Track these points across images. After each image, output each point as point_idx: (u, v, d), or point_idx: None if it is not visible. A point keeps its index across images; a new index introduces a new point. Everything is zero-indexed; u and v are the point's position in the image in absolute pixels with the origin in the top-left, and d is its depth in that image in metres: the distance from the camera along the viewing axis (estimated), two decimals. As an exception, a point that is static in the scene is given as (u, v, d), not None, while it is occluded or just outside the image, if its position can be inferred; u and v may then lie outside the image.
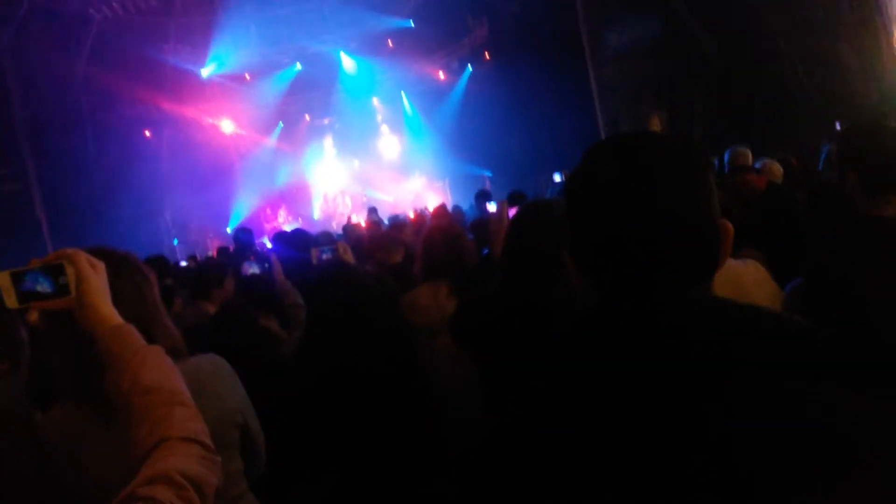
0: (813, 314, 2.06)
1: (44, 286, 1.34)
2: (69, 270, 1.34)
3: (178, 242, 17.68)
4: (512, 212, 2.73)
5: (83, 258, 1.35)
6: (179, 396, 1.26)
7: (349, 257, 3.48)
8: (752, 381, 0.80)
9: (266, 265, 3.82)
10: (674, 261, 0.88)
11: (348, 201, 19.59)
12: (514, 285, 2.05)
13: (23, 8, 13.32)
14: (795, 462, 0.75)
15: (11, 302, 1.34)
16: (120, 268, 1.50)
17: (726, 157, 5.44)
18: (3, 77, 13.40)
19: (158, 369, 1.28)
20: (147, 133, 17.79)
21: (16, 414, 1.93)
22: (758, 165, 5.11)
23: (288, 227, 15.17)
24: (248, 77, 19.76)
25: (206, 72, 18.81)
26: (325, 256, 3.46)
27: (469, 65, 19.14)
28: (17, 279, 1.33)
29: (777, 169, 5.13)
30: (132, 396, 1.23)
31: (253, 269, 3.95)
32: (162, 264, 5.51)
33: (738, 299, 0.90)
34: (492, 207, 5.36)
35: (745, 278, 2.06)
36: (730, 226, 0.92)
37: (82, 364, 1.46)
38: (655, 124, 12.93)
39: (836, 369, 0.82)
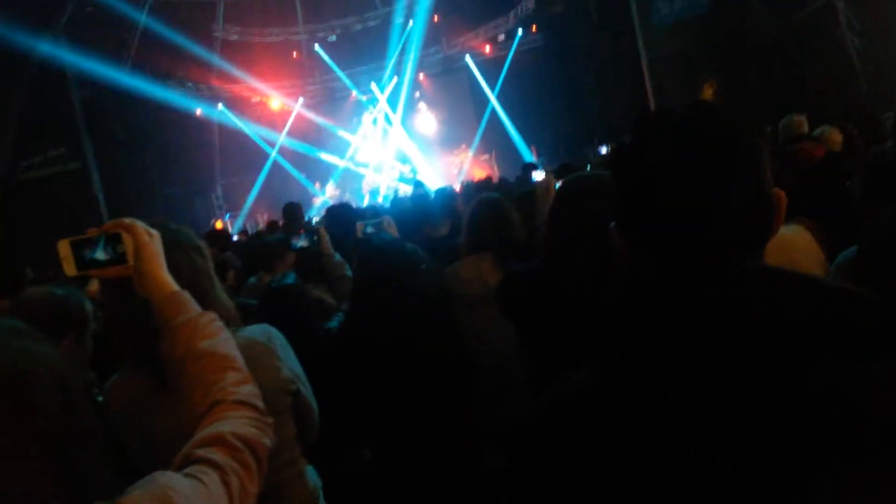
0: (864, 285, 2.01)
1: (102, 254, 1.37)
2: (126, 239, 1.37)
3: (230, 217, 18.03)
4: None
5: (140, 227, 1.39)
6: (231, 361, 1.29)
7: (394, 231, 3.50)
8: (807, 354, 0.79)
9: (314, 238, 3.87)
10: (725, 233, 0.86)
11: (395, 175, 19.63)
12: (558, 257, 2.04)
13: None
14: (843, 440, 0.74)
15: (71, 269, 1.38)
16: (173, 240, 1.53)
17: (780, 126, 5.30)
18: (61, 59, 13.76)
19: (211, 335, 1.31)
20: (198, 111, 18.10)
21: (81, 387, 2.00)
22: (815, 134, 4.95)
23: (335, 202, 15.36)
24: (295, 55, 19.90)
25: (254, 51, 18.96)
26: (369, 230, 3.49)
27: (516, 38, 18.88)
28: (76, 247, 1.37)
29: (836, 137, 4.95)
30: (186, 362, 1.26)
31: (302, 242, 4.01)
32: (223, 238, 5.66)
33: (783, 265, 0.89)
34: (538, 176, 5.32)
35: (792, 244, 2.01)
36: (783, 195, 0.90)
37: (140, 332, 1.50)
38: (708, 94, 12.59)
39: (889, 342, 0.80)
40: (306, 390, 1.92)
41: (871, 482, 0.73)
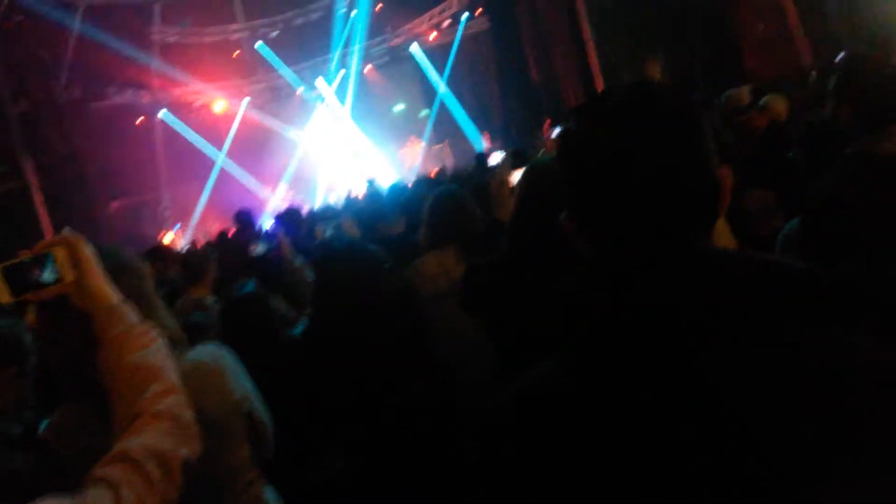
0: (810, 256, 2.04)
1: (36, 276, 1.31)
2: (59, 256, 1.32)
3: (179, 227, 17.68)
4: (514, 172, 2.69)
5: (80, 240, 1.35)
6: (158, 372, 1.28)
7: (354, 231, 3.45)
8: (754, 330, 0.79)
9: (272, 243, 3.82)
10: (676, 215, 0.86)
11: (348, 172, 19.46)
12: (523, 249, 2.02)
13: (5, 1, 13.16)
14: (808, 412, 0.74)
15: (5, 297, 1.31)
16: (111, 264, 1.47)
17: (723, 100, 5.36)
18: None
19: (142, 347, 1.30)
20: (140, 119, 17.66)
21: (25, 419, 1.93)
22: (760, 104, 5.00)
23: (289, 204, 15.16)
24: (236, 54, 19.56)
25: (194, 52, 18.57)
26: (329, 233, 3.44)
27: (461, 22, 18.81)
28: (8, 273, 1.30)
29: (781, 105, 5.00)
30: (115, 375, 1.27)
31: (259, 248, 3.94)
32: (167, 254, 5.51)
33: None
34: (495, 158, 5.30)
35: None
36: (728, 173, 0.90)
37: (80, 360, 1.44)
38: (654, 69, 12.74)
39: (843, 313, 0.82)
40: (260, 410, 1.87)
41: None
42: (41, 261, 1.32)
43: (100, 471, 1.10)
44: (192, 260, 3.89)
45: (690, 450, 0.76)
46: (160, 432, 1.19)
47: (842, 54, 3.12)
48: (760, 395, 0.75)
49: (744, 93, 5.26)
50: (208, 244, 6.31)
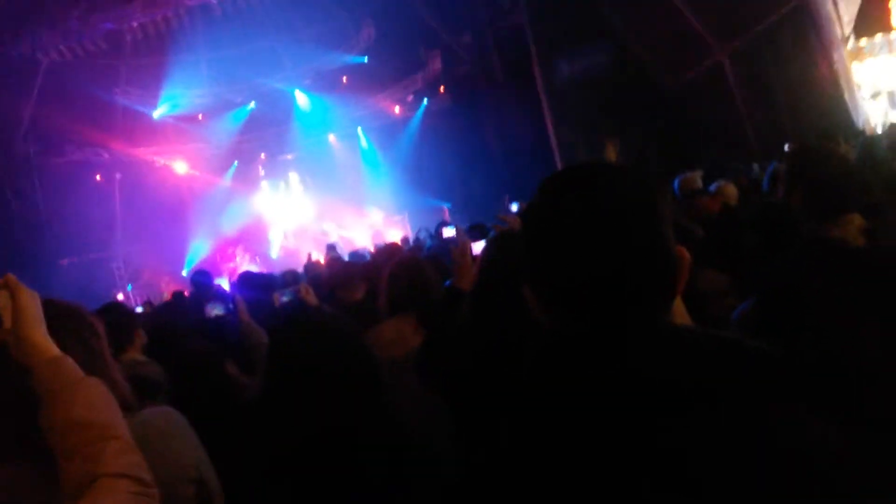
0: (764, 335, 2.09)
1: None
2: (1, 301, 1.27)
3: (133, 288, 17.26)
4: (475, 244, 2.72)
5: (22, 287, 1.29)
6: (112, 430, 1.21)
7: (311, 299, 3.42)
8: (719, 407, 0.80)
9: (229, 306, 3.75)
10: (637, 291, 0.88)
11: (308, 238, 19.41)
12: (486, 320, 2.03)
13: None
14: (763, 488, 0.75)
15: None
16: (64, 320, 1.43)
17: (676, 184, 5.56)
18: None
19: (91, 403, 1.23)
20: (98, 177, 17.45)
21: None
22: (712, 188, 5.20)
23: (246, 268, 14.93)
24: (201, 117, 19.61)
25: (157, 113, 18.62)
26: (285, 299, 3.41)
27: (425, 98, 19.29)
28: None
29: (731, 190, 5.22)
30: (64, 432, 1.19)
31: (217, 310, 3.86)
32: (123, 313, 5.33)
33: None
34: (447, 233, 5.35)
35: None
36: (685, 253, 0.93)
37: (15, 416, 1.38)
38: (611, 151, 13.17)
39: (798, 393, 0.84)
40: (209, 475, 1.81)
41: None
42: None
43: None
44: (116, 325, 3.76)
45: None
46: (123, 495, 1.13)
47: (788, 144, 3.28)
48: (712, 468, 0.77)
49: (696, 177, 5.47)
50: (152, 305, 6.17)
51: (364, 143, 20.61)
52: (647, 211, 0.90)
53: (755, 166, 7.11)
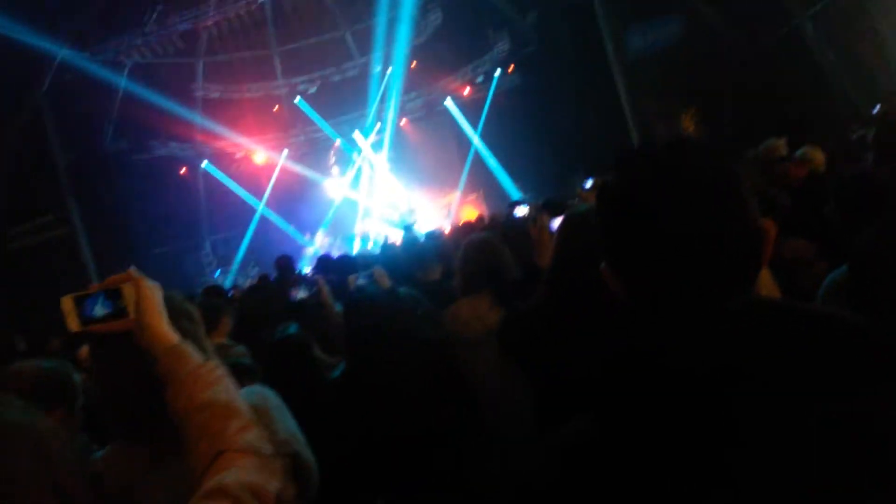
0: (855, 306, 2.00)
1: (103, 309, 1.37)
2: (127, 293, 1.38)
3: (220, 273, 17.95)
4: (552, 220, 2.72)
5: (144, 279, 1.39)
6: (234, 408, 1.28)
7: (385, 282, 3.48)
8: (792, 391, 0.78)
9: (313, 289, 3.86)
10: (721, 266, 0.86)
11: (385, 219, 19.67)
12: (562, 296, 2.03)
13: (57, 58, 13.77)
14: (853, 469, 0.73)
15: (74, 325, 1.37)
16: (167, 307, 1.51)
17: (760, 151, 5.36)
18: (44, 126, 13.85)
19: (214, 384, 1.30)
20: (183, 170, 18.16)
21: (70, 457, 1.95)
22: (798, 154, 4.99)
23: (326, 251, 15.32)
24: (276, 108, 20.10)
25: (235, 106, 19.17)
26: (361, 282, 3.48)
27: (494, 78, 19.18)
28: (78, 303, 1.37)
29: (819, 156, 4.98)
30: (190, 414, 1.26)
31: (300, 293, 3.98)
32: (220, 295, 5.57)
33: None
34: (519, 212, 5.32)
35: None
36: (771, 225, 0.90)
37: (132, 398, 1.47)
38: (687, 122, 12.76)
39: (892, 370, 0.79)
40: (304, 450, 1.88)
41: None
42: (110, 295, 1.38)
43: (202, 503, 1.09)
44: (204, 311, 3.93)
45: None
46: (248, 468, 1.18)
47: (878, 106, 3.12)
48: (799, 456, 0.75)
49: (780, 144, 5.26)
50: (248, 289, 6.39)
51: (456, 115, 20.44)
52: (729, 185, 0.88)
53: (855, 128, 6.74)
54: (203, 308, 3.85)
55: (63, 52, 13.94)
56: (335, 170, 21.10)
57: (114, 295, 1.38)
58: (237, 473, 1.15)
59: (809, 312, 0.86)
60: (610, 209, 0.95)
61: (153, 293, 1.40)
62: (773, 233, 0.89)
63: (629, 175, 0.94)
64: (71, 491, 0.89)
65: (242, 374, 2.45)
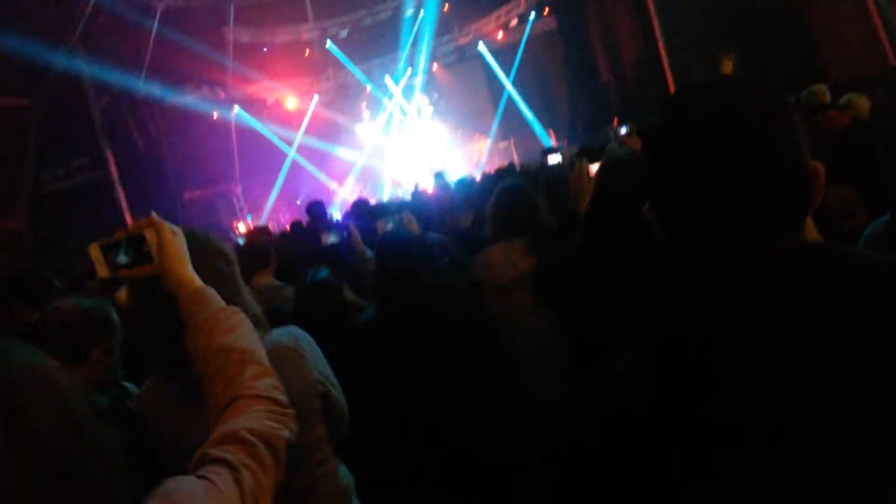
0: None
1: (129, 255, 1.40)
2: (150, 238, 1.39)
3: (252, 218, 18.15)
4: (591, 167, 2.67)
5: (164, 225, 1.41)
6: (251, 355, 1.29)
7: (414, 227, 3.49)
8: (863, 332, 0.76)
9: (344, 234, 3.88)
10: (767, 207, 0.84)
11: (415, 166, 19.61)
12: (600, 241, 2.01)
13: (90, 3, 13.76)
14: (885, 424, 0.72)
15: (103, 272, 1.41)
16: (196, 247, 1.53)
17: (802, 97, 5.21)
18: (77, 70, 13.93)
19: (231, 330, 1.32)
20: (215, 114, 18.21)
21: (86, 403, 1.99)
22: (842, 102, 4.84)
23: (358, 197, 15.36)
24: (307, 53, 19.95)
25: (266, 50, 19.06)
26: (390, 227, 3.49)
27: (529, 22, 18.74)
28: (105, 250, 1.40)
29: (864, 103, 4.83)
30: (207, 358, 1.28)
31: (331, 238, 4.01)
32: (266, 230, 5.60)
33: None
34: (553, 159, 5.26)
35: None
36: (821, 167, 0.88)
37: (167, 338, 1.49)
38: (728, 66, 12.40)
39: None
40: (336, 390, 1.91)
41: None
42: (135, 241, 1.40)
43: (214, 450, 1.09)
44: (255, 248, 4.00)
45: (773, 457, 0.75)
46: (261, 414, 1.20)
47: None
48: (843, 394, 0.74)
49: (824, 90, 5.10)
50: (281, 234, 6.45)
51: (489, 59, 20.15)
52: (780, 123, 0.86)
53: None
54: (253, 247, 3.94)
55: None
56: (366, 115, 20.98)
57: (138, 240, 1.40)
58: (249, 419, 1.17)
59: (858, 256, 0.84)
60: (656, 148, 0.94)
61: (174, 238, 1.41)
62: (822, 174, 0.88)
63: (675, 116, 0.92)
64: (83, 423, 0.91)
65: (280, 320, 2.49)
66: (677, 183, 0.90)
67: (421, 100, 20.83)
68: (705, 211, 0.87)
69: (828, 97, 5.12)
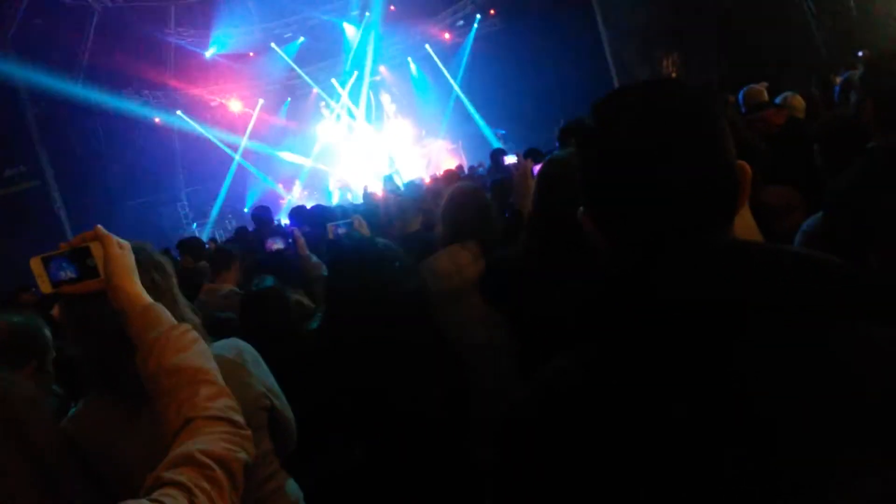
0: (831, 251, 2.02)
1: (73, 269, 1.34)
2: (96, 252, 1.34)
3: (197, 226, 17.80)
4: (536, 168, 2.69)
5: (111, 238, 1.35)
6: (205, 374, 1.25)
7: (364, 230, 3.46)
8: (779, 322, 0.77)
9: (289, 240, 3.85)
10: (693, 207, 0.85)
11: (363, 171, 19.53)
12: (543, 242, 2.02)
13: (24, 4, 13.31)
14: (828, 409, 0.72)
15: (46, 287, 1.35)
16: (137, 259, 1.48)
17: (740, 97, 5.34)
18: (11, 75, 13.44)
19: (184, 349, 1.27)
20: (157, 120, 17.80)
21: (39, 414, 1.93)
22: (778, 101, 4.98)
23: (303, 203, 15.22)
24: (252, 55, 19.66)
25: (209, 52, 18.76)
26: (340, 231, 3.46)
27: (475, 23, 18.82)
28: (48, 264, 1.34)
29: (799, 102, 4.98)
30: (159, 378, 1.23)
31: (277, 244, 3.97)
32: (196, 247, 5.59)
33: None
34: (509, 160, 5.29)
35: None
36: (748, 168, 0.89)
37: (107, 355, 1.45)
38: (669, 68, 12.67)
39: (872, 308, 0.79)
40: (281, 403, 1.88)
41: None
42: (78, 255, 1.34)
43: (168, 473, 1.06)
44: (220, 254, 4.01)
45: (714, 443, 0.75)
46: (217, 436, 1.16)
47: (862, 52, 3.10)
48: (785, 389, 0.74)
49: (761, 89, 5.24)
50: (227, 242, 6.35)
51: (415, 71, 20.35)
52: (705, 124, 0.87)
53: (833, 77, 6.72)
54: (217, 252, 3.92)
55: (28, -2, 13.49)
56: (326, 113, 20.77)
57: (83, 254, 1.34)
58: (206, 441, 1.13)
59: (786, 252, 0.85)
60: (585, 150, 0.95)
61: (122, 252, 1.36)
62: (749, 174, 0.89)
63: (606, 113, 0.93)
64: (41, 448, 0.89)
65: (225, 328, 2.44)
66: (605, 182, 0.91)
67: (384, 98, 20.75)
68: (633, 210, 0.88)
69: (765, 96, 5.25)
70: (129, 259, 1.37)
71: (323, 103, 20.79)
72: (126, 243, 1.39)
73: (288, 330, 2.70)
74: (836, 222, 2.10)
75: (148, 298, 1.34)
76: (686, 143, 0.85)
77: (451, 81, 19.67)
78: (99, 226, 1.37)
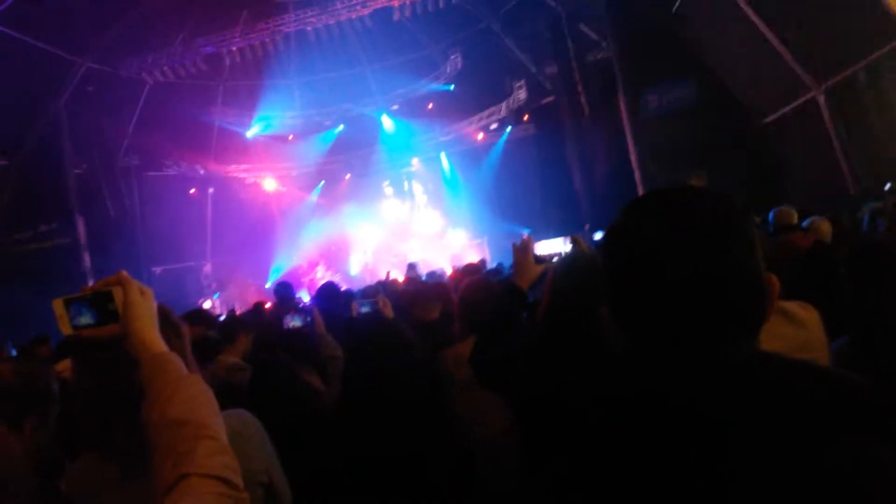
0: (860, 370, 1.98)
1: (94, 313, 1.33)
2: (118, 297, 1.33)
3: (219, 297, 17.89)
4: (534, 243, 2.72)
5: (134, 284, 1.34)
6: (207, 430, 1.19)
7: (389, 311, 3.46)
8: (771, 442, 0.76)
9: (307, 318, 3.84)
10: (718, 313, 0.85)
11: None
12: (559, 338, 2.01)
13: (79, 72, 13.98)
14: None
15: (66, 328, 1.33)
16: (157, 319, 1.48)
17: (770, 217, 5.37)
18: (58, 136, 13.98)
19: (190, 401, 1.22)
20: (192, 191, 18.26)
21: (40, 468, 1.88)
22: (805, 224, 5.00)
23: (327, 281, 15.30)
24: (291, 138, 20.31)
25: (251, 133, 19.43)
26: (364, 310, 3.46)
27: (508, 126, 19.38)
28: (69, 306, 1.33)
29: (825, 227, 5.00)
30: (159, 429, 1.18)
31: (295, 321, 3.95)
32: (207, 318, 5.60)
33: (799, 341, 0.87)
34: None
35: (810, 321, 1.94)
36: (775, 280, 0.89)
37: (106, 408, 1.43)
38: (697, 184, 12.83)
39: (884, 428, 0.77)
40: (279, 480, 1.83)
41: None
42: (101, 299, 1.33)
43: None
44: (225, 326, 3.96)
45: None
46: (211, 497, 1.10)
47: (890, 184, 3.13)
48: (777, 497, 0.73)
49: (791, 211, 5.27)
50: (244, 314, 6.36)
51: (447, 167, 20.86)
52: (734, 233, 0.88)
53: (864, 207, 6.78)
54: (225, 325, 3.88)
55: (88, 64, 14.16)
56: (389, 191, 21.40)
57: (105, 298, 1.33)
58: (197, 501, 1.07)
59: (811, 367, 0.85)
60: (613, 250, 0.95)
61: (142, 298, 1.34)
62: (776, 286, 0.89)
63: (636, 215, 0.93)
64: None
65: (233, 396, 2.41)
66: (631, 283, 0.91)
67: (416, 188, 21.19)
68: (656, 313, 0.87)
69: (794, 218, 5.29)
70: (150, 306, 1.35)
71: (386, 182, 21.35)
72: (148, 290, 1.37)
73: (295, 403, 2.66)
74: (864, 345, 2.08)
75: (163, 346, 1.31)
76: (713, 246, 0.86)
77: (480, 180, 20.10)
78: (123, 270, 1.36)
